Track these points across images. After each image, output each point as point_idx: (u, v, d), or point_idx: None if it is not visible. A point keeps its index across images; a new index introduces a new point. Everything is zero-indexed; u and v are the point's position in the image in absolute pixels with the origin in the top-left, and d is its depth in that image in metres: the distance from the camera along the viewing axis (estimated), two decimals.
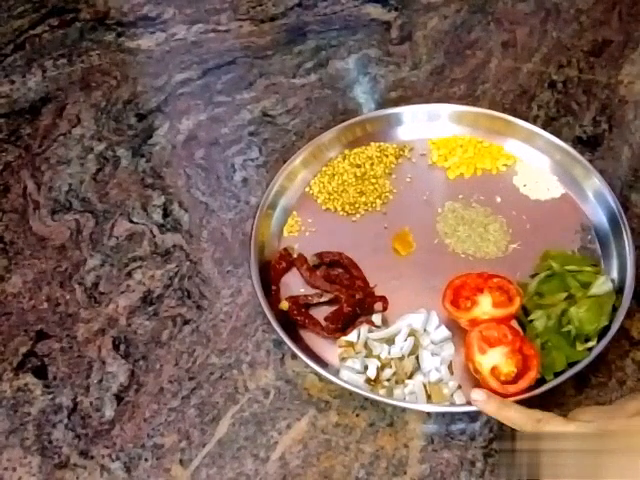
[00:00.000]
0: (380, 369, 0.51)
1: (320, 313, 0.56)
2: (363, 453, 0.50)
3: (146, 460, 0.50)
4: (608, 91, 0.73)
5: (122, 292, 0.60)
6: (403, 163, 0.66)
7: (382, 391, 0.51)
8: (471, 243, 0.60)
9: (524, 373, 0.49)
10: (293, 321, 0.56)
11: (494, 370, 0.50)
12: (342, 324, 0.55)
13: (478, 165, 0.65)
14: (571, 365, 0.50)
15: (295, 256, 0.60)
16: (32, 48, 0.81)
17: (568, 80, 0.75)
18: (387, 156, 0.66)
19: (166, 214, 0.65)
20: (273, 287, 0.58)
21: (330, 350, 0.54)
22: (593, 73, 0.75)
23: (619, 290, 0.54)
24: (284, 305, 0.56)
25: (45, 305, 0.59)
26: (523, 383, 0.49)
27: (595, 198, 0.61)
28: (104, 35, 0.82)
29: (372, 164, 0.66)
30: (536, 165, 0.65)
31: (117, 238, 0.64)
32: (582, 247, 0.59)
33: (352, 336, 0.53)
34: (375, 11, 0.83)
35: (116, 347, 0.56)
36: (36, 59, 0.79)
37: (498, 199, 0.63)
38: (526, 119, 0.68)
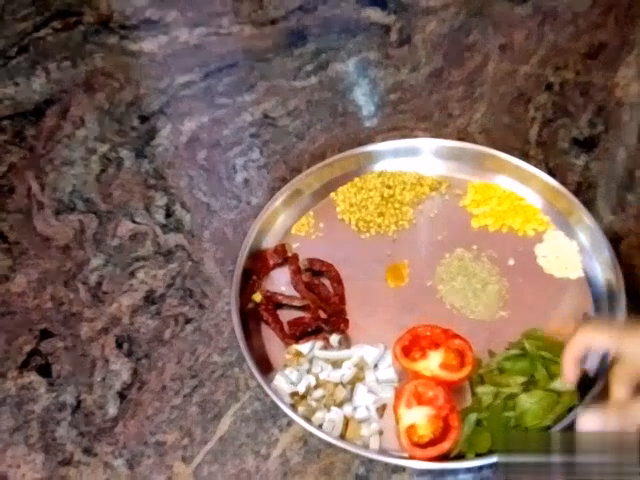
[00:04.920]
0: (313, 388, 0.51)
1: (290, 315, 0.56)
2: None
3: (149, 457, 0.51)
4: (604, 93, 0.74)
5: (125, 291, 0.60)
6: (434, 197, 0.64)
7: (302, 408, 0.50)
8: (462, 296, 0.57)
9: (439, 441, 0.46)
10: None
11: (411, 428, 0.47)
12: (299, 333, 0.54)
13: (507, 222, 0.61)
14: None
15: (290, 254, 0.60)
16: (36, 51, 0.81)
17: (565, 82, 0.75)
18: (422, 185, 0.64)
19: (168, 214, 0.66)
20: (253, 277, 0.58)
21: (281, 354, 0.54)
22: (589, 75, 0.76)
23: (589, 385, 0.48)
24: (257, 297, 0.56)
25: (49, 304, 0.60)
26: (432, 452, 0.46)
27: (608, 294, 0.55)
28: (107, 38, 0.82)
29: (403, 189, 0.64)
30: (566, 240, 0.60)
31: (120, 238, 0.64)
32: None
33: (304, 347, 0.53)
34: (375, 15, 0.83)
35: (119, 346, 0.57)
36: (40, 61, 0.80)
37: (511, 261, 0.59)
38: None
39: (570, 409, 0.47)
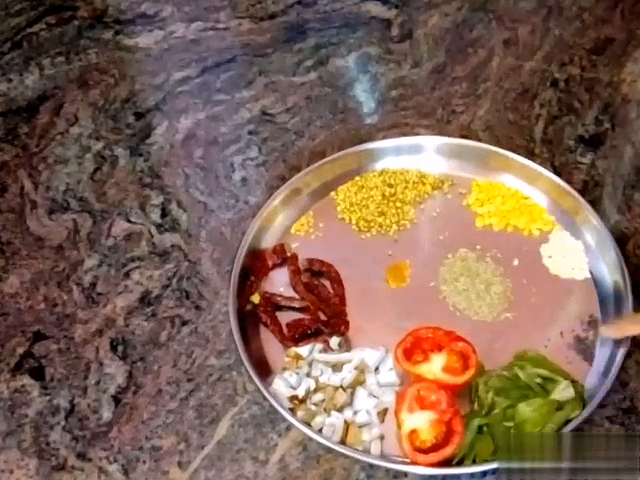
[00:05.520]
0: (312, 391, 0.50)
1: (289, 317, 0.55)
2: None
3: (144, 462, 0.50)
4: (610, 89, 0.73)
5: (120, 292, 0.59)
6: (437, 196, 0.63)
7: (301, 412, 0.49)
8: (465, 297, 0.56)
9: (441, 447, 0.46)
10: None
11: (413, 433, 0.47)
12: (299, 335, 0.53)
13: (511, 221, 0.60)
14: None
15: (289, 254, 0.59)
16: (30, 46, 0.80)
17: (570, 78, 0.74)
18: (424, 184, 0.63)
19: (164, 214, 0.65)
20: (252, 277, 0.57)
21: (280, 357, 0.53)
22: (595, 71, 0.75)
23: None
24: (255, 298, 0.56)
25: (42, 305, 0.59)
26: (434, 457, 0.45)
27: (615, 295, 0.55)
28: (102, 33, 0.81)
29: (405, 188, 0.63)
30: (572, 240, 0.59)
31: (115, 238, 0.63)
32: (577, 337, 0.54)
33: (303, 350, 0.52)
34: (375, 9, 0.82)
35: (114, 348, 0.56)
36: (34, 57, 0.79)
37: (515, 261, 0.58)
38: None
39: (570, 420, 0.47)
